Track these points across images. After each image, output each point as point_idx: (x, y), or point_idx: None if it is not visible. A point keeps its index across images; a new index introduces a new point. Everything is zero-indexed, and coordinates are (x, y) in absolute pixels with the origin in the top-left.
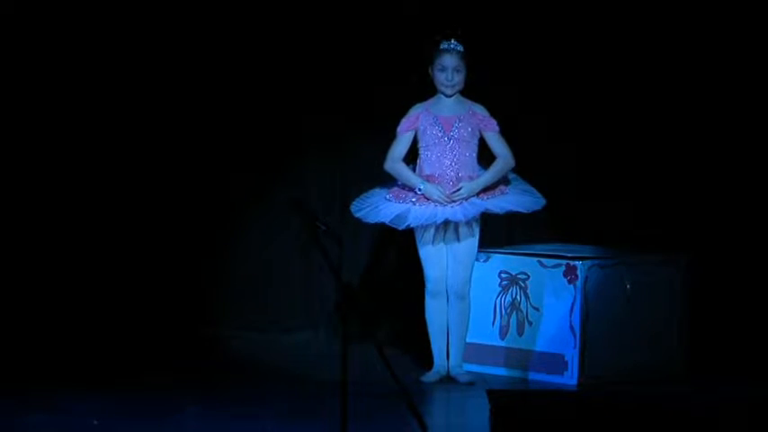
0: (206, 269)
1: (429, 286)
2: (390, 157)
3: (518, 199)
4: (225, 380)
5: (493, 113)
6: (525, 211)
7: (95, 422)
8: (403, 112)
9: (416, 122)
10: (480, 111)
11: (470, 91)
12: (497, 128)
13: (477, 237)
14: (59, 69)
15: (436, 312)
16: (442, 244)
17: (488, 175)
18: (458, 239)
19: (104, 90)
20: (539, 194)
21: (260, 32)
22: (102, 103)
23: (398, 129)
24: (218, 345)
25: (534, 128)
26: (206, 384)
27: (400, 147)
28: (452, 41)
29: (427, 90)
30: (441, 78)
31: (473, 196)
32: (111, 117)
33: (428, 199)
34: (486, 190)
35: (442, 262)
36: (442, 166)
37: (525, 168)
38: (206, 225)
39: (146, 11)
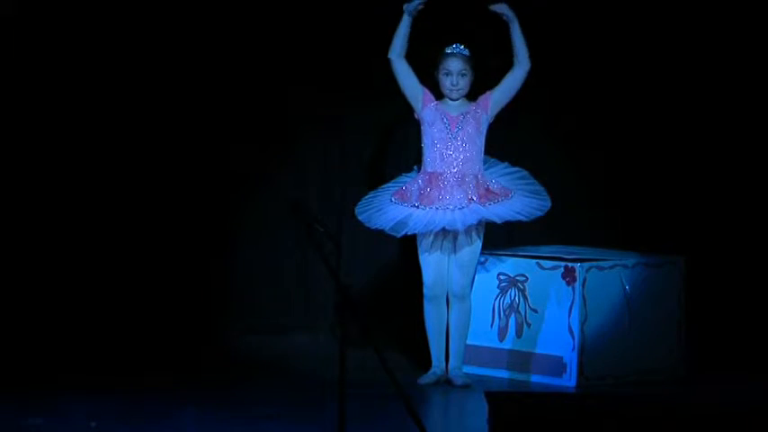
0: (205, 271)
1: (425, 291)
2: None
3: (519, 205)
4: (224, 381)
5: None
6: (525, 220)
7: (93, 424)
8: (404, 112)
9: (431, 98)
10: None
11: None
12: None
13: (480, 241)
14: (61, 69)
15: (433, 316)
16: (441, 249)
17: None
18: (459, 243)
19: (109, 90)
20: (546, 196)
21: (264, 33)
22: (110, 102)
23: None
24: (217, 346)
25: (534, 131)
26: (205, 385)
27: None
28: (458, 45)
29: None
30: (446, 83)
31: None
32: (117, 117)
33: (431, 201)
34: (491, 194)
35: (441, 266)
36: (445, 163)
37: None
38: (205, 227)
39: (149, 14)
